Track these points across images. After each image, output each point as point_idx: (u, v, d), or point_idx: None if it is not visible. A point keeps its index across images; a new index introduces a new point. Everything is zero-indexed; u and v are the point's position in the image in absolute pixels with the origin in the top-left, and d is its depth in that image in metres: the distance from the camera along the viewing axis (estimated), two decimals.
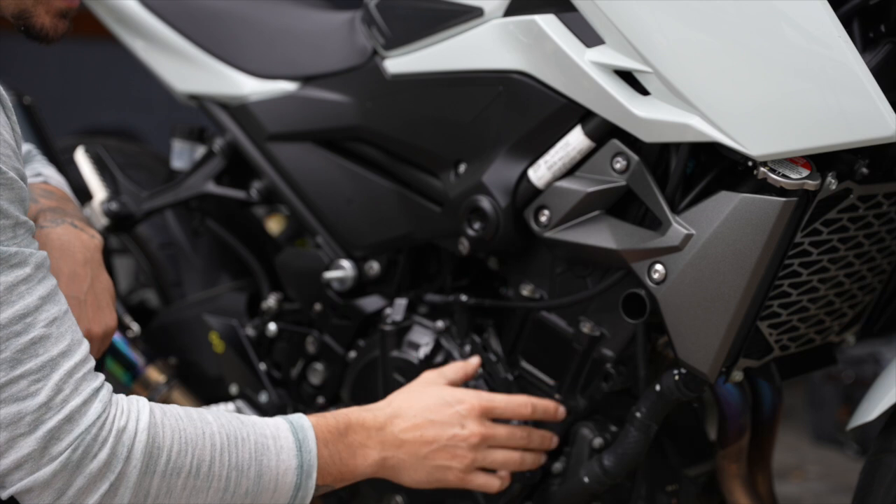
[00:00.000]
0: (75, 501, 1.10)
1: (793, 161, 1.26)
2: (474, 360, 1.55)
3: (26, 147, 1.58)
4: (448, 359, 1.60)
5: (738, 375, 1.41)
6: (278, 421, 1.28)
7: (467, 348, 1.60)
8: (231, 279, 1.91)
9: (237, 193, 1.85)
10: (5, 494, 1.10)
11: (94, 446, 1.10)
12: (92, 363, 1.14)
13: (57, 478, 1.08)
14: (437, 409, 1.43)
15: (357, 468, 1.35)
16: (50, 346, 1.09)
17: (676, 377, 1.42)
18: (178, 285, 1.96)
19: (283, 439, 1.25)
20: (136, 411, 1.15)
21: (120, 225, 1.90)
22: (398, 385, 1.62)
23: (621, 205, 1.44)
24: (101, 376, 1.15)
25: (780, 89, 1.23)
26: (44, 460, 1.08)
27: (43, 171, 1.55)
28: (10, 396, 1.07)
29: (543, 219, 1.47)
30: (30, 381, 1.07)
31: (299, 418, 1.30)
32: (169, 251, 1.96)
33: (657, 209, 1.37)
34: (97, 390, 1.12)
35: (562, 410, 1.52)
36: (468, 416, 1.44)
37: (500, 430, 1.47)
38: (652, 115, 1.33)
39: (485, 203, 1.51)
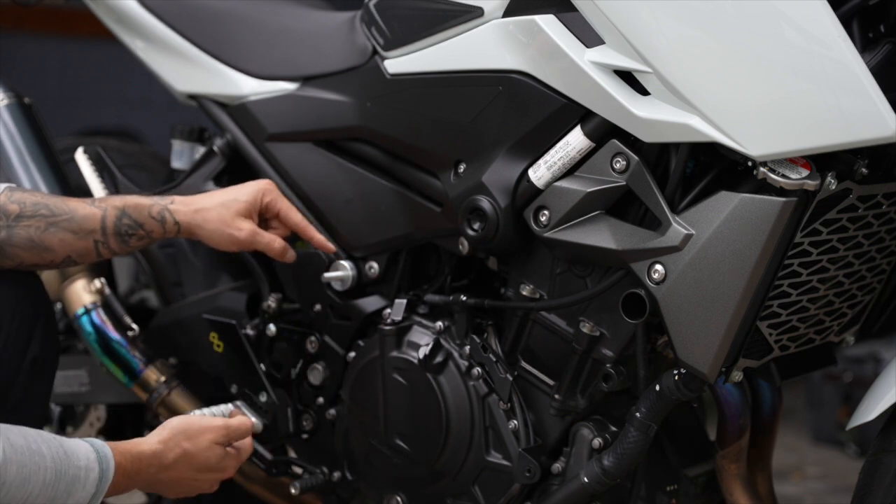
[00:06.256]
0: None
1: (792, 161, 1.26)
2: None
3: None
4: (448, 358, 1.60)
5: (737, 375, 1.41)
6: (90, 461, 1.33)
7: (467, 348, 1.60)
8: (231, 279, 1.91)
9: None
10: None
11: None
12: None
13: None
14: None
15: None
16: None
17: (676, 377, 1.42)
18: (178, 285, 1.95)
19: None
20: None
21: None
22: (398, 385, 1.63)
23: (621, 205, 1.44)
24: None
25: (780, 89, 1.24)
26: None
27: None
28: None
29: (543, 219, 1.47)
30: None
31: (108, 460, 1.35)
32: (169, 251, 1.96)
33: (657, 209, 1.37)
34: None
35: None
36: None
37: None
38: (652, 115, 1.33)
39: (484, 203, 1.51)
